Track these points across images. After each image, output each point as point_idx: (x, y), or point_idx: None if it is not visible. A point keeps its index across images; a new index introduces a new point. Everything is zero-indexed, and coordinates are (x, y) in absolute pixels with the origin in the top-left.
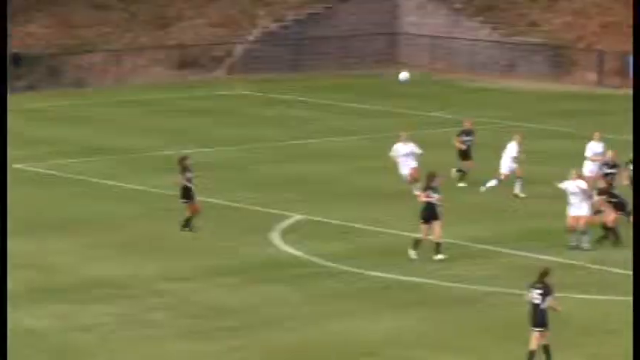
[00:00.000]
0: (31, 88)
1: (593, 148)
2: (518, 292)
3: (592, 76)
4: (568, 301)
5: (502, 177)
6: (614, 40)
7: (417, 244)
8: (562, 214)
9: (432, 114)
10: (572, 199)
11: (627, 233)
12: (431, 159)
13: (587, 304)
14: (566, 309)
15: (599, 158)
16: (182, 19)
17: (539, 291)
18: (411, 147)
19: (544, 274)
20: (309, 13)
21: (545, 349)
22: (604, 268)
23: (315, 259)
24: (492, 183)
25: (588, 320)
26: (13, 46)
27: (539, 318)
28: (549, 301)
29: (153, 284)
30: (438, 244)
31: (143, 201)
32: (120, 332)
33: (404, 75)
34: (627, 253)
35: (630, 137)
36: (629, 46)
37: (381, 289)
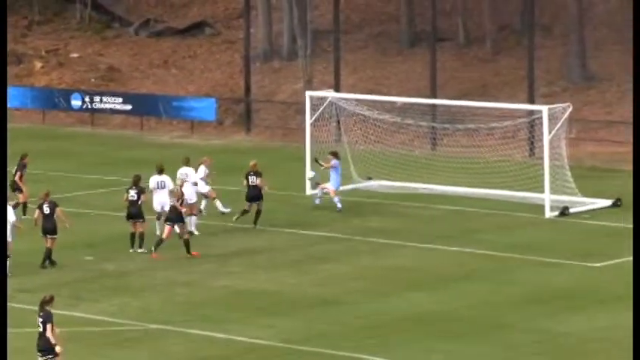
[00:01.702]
0: None
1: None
2: None
3: None
4: None
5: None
6: None
7: None
8: None
9: None
10: None
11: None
12: None
13: None
14: None
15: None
16: None
17: (41, 319)
18: None
19: (47, 301)
20: None
21: None
22: None
23: None
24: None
25: None
26: None
27: (42, 344)
28: (49, 330)
29: None
30: None
31: None
32: None
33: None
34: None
35: None
36: None
37: None
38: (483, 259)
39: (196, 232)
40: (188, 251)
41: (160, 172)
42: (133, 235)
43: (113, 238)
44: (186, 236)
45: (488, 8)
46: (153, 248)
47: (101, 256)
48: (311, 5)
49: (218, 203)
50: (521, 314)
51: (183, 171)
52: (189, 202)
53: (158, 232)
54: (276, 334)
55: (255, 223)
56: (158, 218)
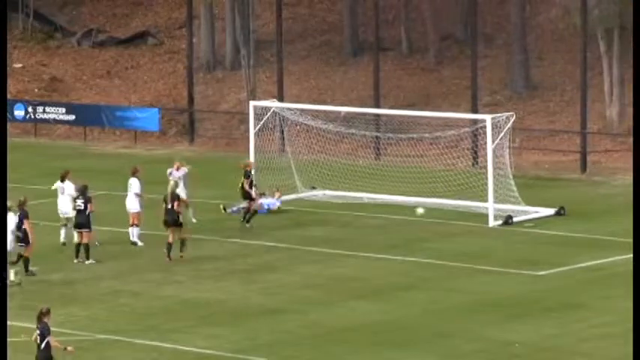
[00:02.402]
0: None
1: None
2: None
3: None
4: None
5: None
6: None
7: None
8: None
9: None
10: None
11: None
12: None
13: None
14: None
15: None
16: None
17: (38, 331)
18: None
19: (44, 314)
20: None
21: None
22: None
23: None
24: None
25: None
26: None
27: (41, 358)
28: (51, 341)
29: None
30: None
31: None
32: None
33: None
34: None
35: None
36: None
37: None
38: (427, 268)
39: (140, 243)
40: (181, 249)
41: (62, 179)
42: (78, 245)
43: (58, 248)
44: (185, 236)
45: (431, 18)
46: (165, 252)
47: (47, 267)
48: (253, 15)
49: (190, 212)
50: (467, 323)
51: (130, 181)
52: (133, 211)
53: (63, 239)
54: (222, 343)
55: (247, 220)
56: (64, 225)
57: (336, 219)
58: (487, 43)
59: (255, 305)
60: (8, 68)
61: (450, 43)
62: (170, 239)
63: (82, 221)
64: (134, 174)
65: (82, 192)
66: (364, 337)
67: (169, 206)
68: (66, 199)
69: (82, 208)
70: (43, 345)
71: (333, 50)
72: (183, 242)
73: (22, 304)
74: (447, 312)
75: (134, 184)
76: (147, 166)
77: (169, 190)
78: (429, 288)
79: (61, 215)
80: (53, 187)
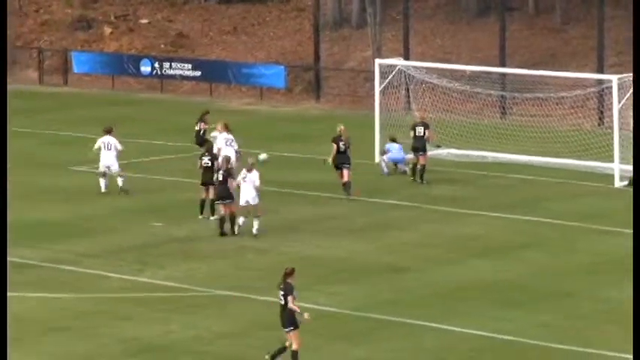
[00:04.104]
0: None
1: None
2: None
3: (33, 74)
4: (27, 300)
5: None
6: (53, 38)
7: None
8: None
9: None
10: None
11: None
12: None
13: (44, 302)
14: (27, 307)
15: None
16: None
17: (282, 292)
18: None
19: (288, 274)
20: None
21: (294, 354)
22: (56, 266)
23: None
24: None
25: (46, 317)
26: None
27: (285, 317)
28: (290, 301)
29: None
30: None
31: None
32: None
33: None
34: (77, 248)
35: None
36: (68, 44)
37: None
38: (551, 227)
39: None
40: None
41: (109, 131)
42: (203, 202)
43: (182, 204)
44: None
45: None
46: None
47: (170, 222)
48: None
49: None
50: (587, 283)
51: (229, 137)
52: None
53: (104, 189)
54: (343, 301)
55: (421, 177)
56: (103, 175)
57: (460, 178)
58: (614, 4)
59: (376, 263)
60: (134, 24)
61: (576, 4)
62: (345, 178)
63: (211, 178)
64: (227, 129)
65: (209, 149)
66: (485, 295)
67: (342, 149)
68: (110, 153)
69: (209, 165)
70: (288, 305)
71: (459, 9)
72: (348, 185)
73: (138, 259)
74: (567, 272)
75: (234, 140)
76: (272, 123)
77: (339, 134)
78: (552, 248)
79: (102, 165)
80: (95, 147)
